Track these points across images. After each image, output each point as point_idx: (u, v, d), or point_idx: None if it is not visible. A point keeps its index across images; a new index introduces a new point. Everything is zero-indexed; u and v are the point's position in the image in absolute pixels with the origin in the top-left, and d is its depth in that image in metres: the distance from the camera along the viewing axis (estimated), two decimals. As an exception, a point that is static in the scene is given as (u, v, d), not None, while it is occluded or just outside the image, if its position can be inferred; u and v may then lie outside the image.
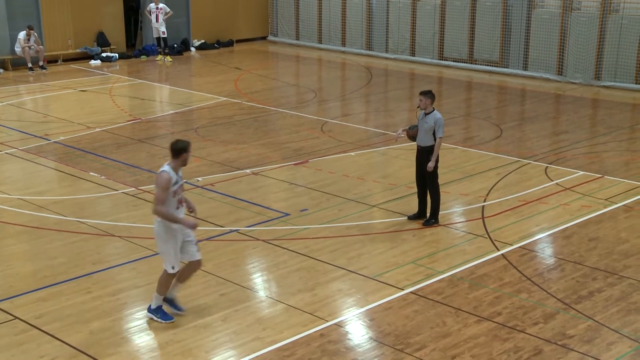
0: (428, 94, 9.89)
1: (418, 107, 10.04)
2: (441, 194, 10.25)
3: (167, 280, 7.60)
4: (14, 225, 10.21)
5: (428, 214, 10.21)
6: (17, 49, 20.94)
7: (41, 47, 21.15)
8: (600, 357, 7.05)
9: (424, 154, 9.97)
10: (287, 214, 10.58)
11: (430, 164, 9.86)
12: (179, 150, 7.45)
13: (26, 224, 10.27)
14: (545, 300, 8.14)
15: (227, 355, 7.10)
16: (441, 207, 10.26)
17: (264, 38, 26.90)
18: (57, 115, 16.39)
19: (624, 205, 10.99)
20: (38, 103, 18.04)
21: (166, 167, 7.43)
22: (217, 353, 7.14)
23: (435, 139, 9.86)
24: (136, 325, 7.72)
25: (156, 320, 7.62)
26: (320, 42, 25.30)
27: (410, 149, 13.81)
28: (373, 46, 24.08)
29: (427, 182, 10.06)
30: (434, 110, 9.94)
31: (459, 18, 21.90)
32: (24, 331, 7.49)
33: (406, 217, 10.36)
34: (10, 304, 8.04)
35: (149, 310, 7.70)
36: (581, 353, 7.12)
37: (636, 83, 18.98)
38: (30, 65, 20.92)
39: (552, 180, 12.03)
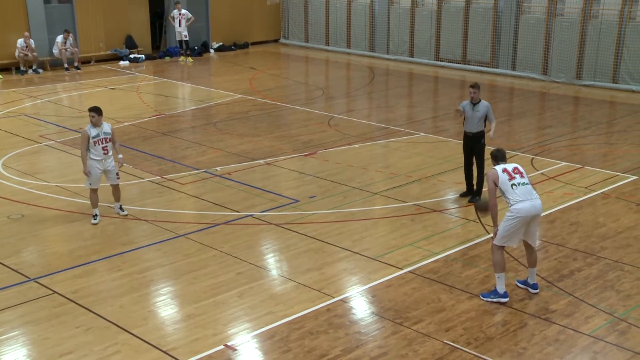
0: (478, 87, 10.16)
1: (471, 101, 10.19)
2: (437, 182, 10.24)
3: None
4: (52, 210, 10.24)
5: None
6: (55, 51, 20.95)
7: (76, 49, 21.14)
8: (579, 329, 7.04)
9: (475, 140, 10.25)
10: (297, 201, 10.56)
11: (492, 133, 10.21)
12: None
13: (63, 208, 10.30)
14: (530, 279, 8.11)
15: (243, 327, 7.12)
16: (437, 194, 10.25)
17: (276, 41, 26.79)
18: (90, 110, 16.38)
19: (601, 193, 10.93)
20: (73, 100, 18.04)
21: None
22: (234, 325, 7.15)
23: (486, 123, 10.25)
24: (161, 300, 7.75)
25: None
26: (327, 44, 25.18)
27: (409, 141, 13.77)
28: (375, 48, 23.95)
29: (477, 162, 10.32)
30: (480, 100, 10.16)
31: (454, 23, 21.75)
32: (61, 304, 7.53)
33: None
34: (49, 280, 8.08)
35: None
36: (562, 326, 7.10)
37: (613, 82, 18.84)
38: (66, 65, 20.92)
39: (538, 170, 11.97)
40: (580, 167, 12.12)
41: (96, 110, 9.66)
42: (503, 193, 7.50)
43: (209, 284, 7.96)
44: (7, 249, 8.93)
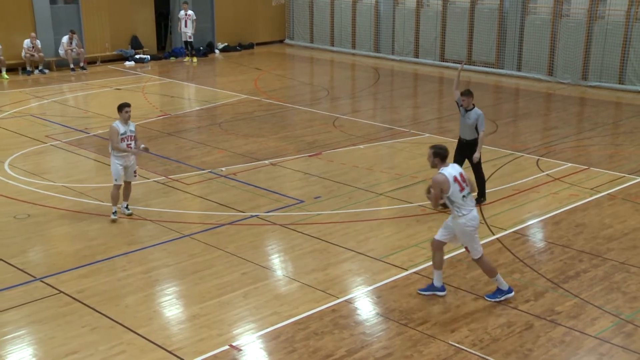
0: (469, 94, 9.91)
1: (460, 105, 9.99)
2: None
3: None
4: (58, 210, 10.26)
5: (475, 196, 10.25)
6: (61, 52, 21.01)
7: (82, 49, 21.19)
8: (585, 331, 7.02)
9: (467, 147, 10.00)
10: (302, 201, 10.56)
11: (477, 155, 9.89)
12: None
13: (68, 208, 10.32)
14: (536, 280, 8.10)
15: (248, 327, 7.12)
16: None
17: (281, 41, 26.81)
18: (96, 111, 16.43)
19: (607, 194, 10.89)
20: (79, 100, 18.09)
21: None
22: (239, 326, 7.15)
23: (477, 133, 9.88)
24: (166, 300, 7.76)
25: None
26: (332, 45, 25.19)
27: (414, 142, 13.76)
28: (380, 49, 23.94)
29: (474, 170, 10.09)
30: (474, 107, 9.92)
31: (459, 23, 21.73)
32: (67, 304, 7.55)
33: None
34: (55, 279, 8.10)
35: None
36: (568, 327, 7.08)
37: (619, 83, 18.78)
38: (72, 66, 20.98)
39: (543, 171, 11.94)
40: (586, 168, 12.08)
41: (130, 106, 9.74)
42: (451, 202, 7.31)
43: (214, 284, 7.97)
44: (13, 248, 8.95)
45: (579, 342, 6.84)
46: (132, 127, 9.79)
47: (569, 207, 10.34)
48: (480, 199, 10.26)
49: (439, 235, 7.63)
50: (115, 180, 9.76)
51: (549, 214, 10.10)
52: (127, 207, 9.99)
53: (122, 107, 9.72)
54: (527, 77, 20.25)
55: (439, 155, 7.38)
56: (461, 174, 7.40)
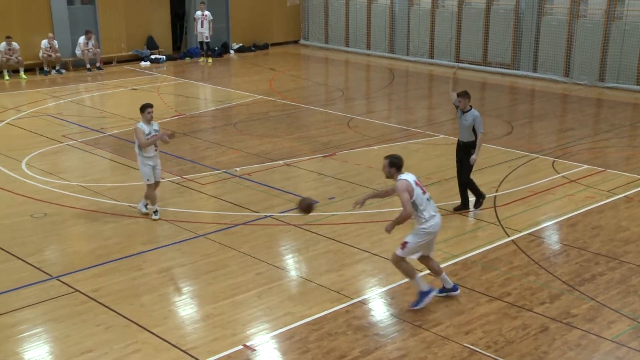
0: (465, 95, 9.79)
1: (457, 107, 9.92)
2: (456, 185, 10.18)
3: None
4: (74, 209, 10.34)
5: (471, 204, 10.10)
6: (78, 52, 21.18)
7: (98, 50, 21.35)
8: (601, 334, 6.95)
9: (465, 149, 9.87)
10: (316, 202, 10.56)
11: (474, 157, 9.77)
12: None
13: (84, 207, 10.40)
14: (551, 282, 8.04)
15: (262, 328, 7.13)
16: (457, 197, 10.17)
17: (296, 42, 26.84)
18: (112, 111, 16.55)
19: (624, 196, 10.79)
20: (95, 100, 18.23)
21: None
22: (253, 326, 7.16)
23: (475, 135, 9.75)
24: (181, 300, 7.79)
25: None
26: (347, 45, 25.18)
27: (429, 143, 13.72)
28: (395, 49, 23.89)
29: (464, 173, 9.94)
30: (471, 108, 9.84)
31: (474, 24, 21.63)
32: (83, 302, 7.60)
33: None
34: (71, 278, 8.16)
35: None
36: (584, 330, 7.02)
37: (637, 84, 18.59)
38: (88, 66, 21.14)
39: (559, 173, 11.86)
40: (603, 170, 11.98)
41: (152, 106, 9.83)
42: (416, 207, 7.14)
43: (228, 284, 7.99)
44: (29, 247, 9.03)
45: (595, 346, 6.78)
46: (155, 126, 9.85)
47: (585, 209, 10.26)
48: (480, 199, 10.11)
49: (415, 256, 7.43)
50: (147, 180, 9.82)
51: (564, 216, 10.02)
52: (145, 206, 10.04)
53: (145, 108, 9.77)
54: (543, 78, 20.12)
55: (394, 165, 7.24)
56: (418, 179, 7.29)
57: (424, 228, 7.21)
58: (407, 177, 7.23)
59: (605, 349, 6.73)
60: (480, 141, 9.86)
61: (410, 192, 7.12)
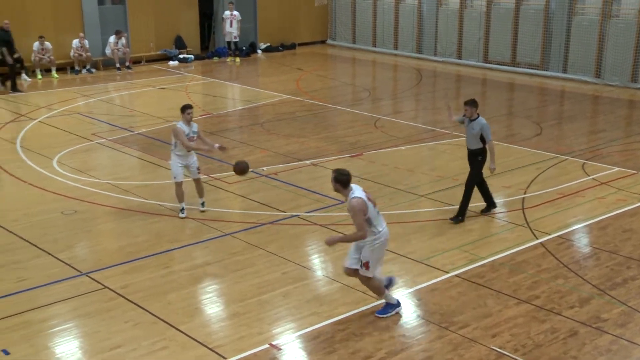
0: (472, 103, 9.72)
1: (464, 116, 9.86)
2: (478, 189, 10.04)
3: None
4: (103, 207, 10.47)
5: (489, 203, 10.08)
6: (107, 51, 21.46)
7: (128, 49, 21.60)
8: (633, 340, 6.84)
9: (473, 156, 9.81)
10: (343, 202, 10.52)
11: (493, 166, 9.70)
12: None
13: (113, 205, 10.52)
14: (580, 286, 7.93)
15: (287, 327, 7.15)
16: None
17: (323, 42, 26.85)
18: (141, 109, 16.72)
19: (657, 199, 10.60)
20: (124, 99, 18.44)
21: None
22: (278, 325, 7.19)
23: (483, 142, 9.66)
24: (208, 298, 7.85)
25: None
26: (374, 45, 25.11)
27: (457, 144, 13.62)
28: (423, 49, 23.77)
29: (468, 178, 9.82)
30: (478, 116, 9.77)
31: (503, 24, 21.42)
32: (111, 299, 7.70)
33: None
34: (100, 275, 8.27)
35: None
36: (615, 336, 6.91)
37: (671, 85, 18.28)
38: (118, 65, 21.40)
39: (589, 175, 11.68)
40: (634, 173, 11.77)
41: (192, 107, 9.93)
42: (370, 223, 6.89)
43: (255, 283, 8.02)
44: (60, 243, 9.18)
45: (627, 351, 6.66)
46: (194, 128, 9.94)
47: (615, 212, 10.09)
48: (491, 207, 10.02)
49: (350, 263, 7.24)
50: (174, 177, 9.92)
51: (594, 219, 9.87)
52: (202, 204, 10.12)
53: (185, 109, 9.87)
54: (573, 79, 19.84)
55: (339, 182, 6.90)
56: (367, 192, 7.03)
57: (378, 241, 7.04)
58: (359, 193, 6.89)
59: (638, 355, 6.61)
60: (493, 148, 9.77)
61: (365, 211, 6.84)
